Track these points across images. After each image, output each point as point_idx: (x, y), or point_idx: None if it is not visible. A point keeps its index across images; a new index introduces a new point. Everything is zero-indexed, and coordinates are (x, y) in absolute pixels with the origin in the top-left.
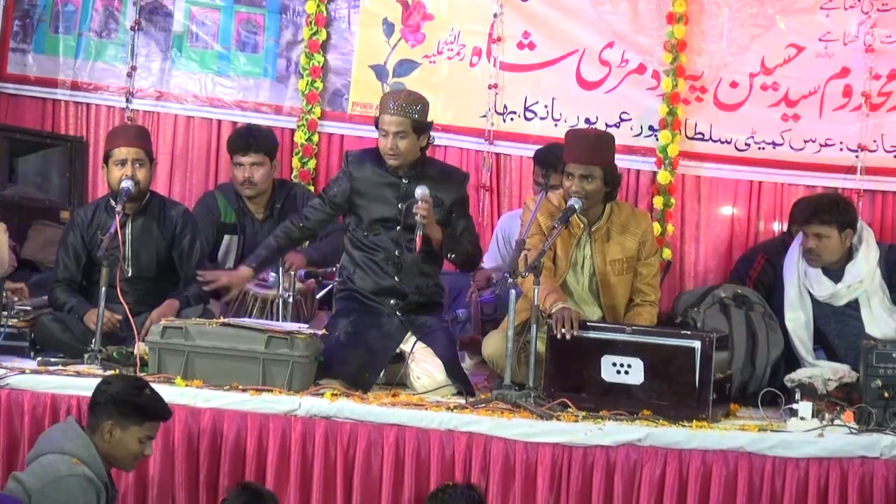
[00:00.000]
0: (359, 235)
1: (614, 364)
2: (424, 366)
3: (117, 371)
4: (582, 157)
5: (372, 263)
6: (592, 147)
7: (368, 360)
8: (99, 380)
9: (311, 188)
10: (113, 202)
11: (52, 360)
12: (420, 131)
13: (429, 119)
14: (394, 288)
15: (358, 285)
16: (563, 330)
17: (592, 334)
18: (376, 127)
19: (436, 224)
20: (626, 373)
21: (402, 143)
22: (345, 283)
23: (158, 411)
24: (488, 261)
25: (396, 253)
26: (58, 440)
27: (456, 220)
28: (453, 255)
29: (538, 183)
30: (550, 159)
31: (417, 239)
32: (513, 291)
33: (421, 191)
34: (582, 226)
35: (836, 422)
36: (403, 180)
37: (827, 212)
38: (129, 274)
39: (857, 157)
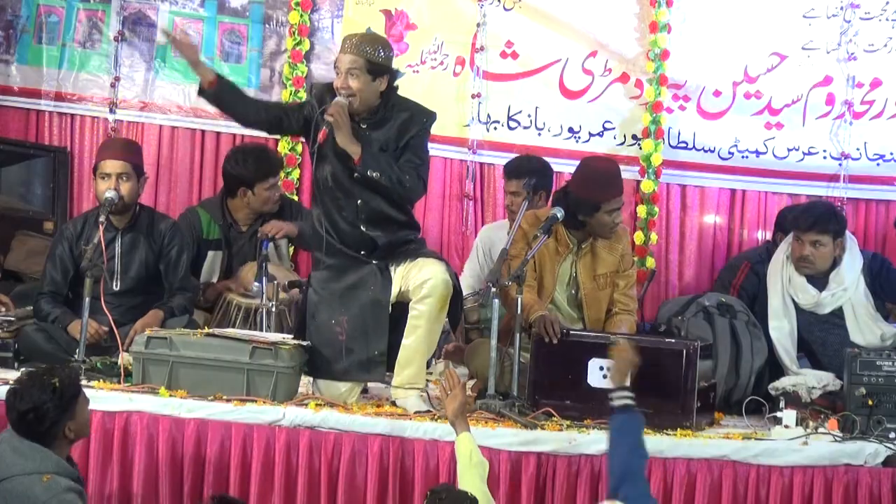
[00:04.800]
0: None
1: (601, 368)
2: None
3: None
4: (618, 190)
5: (335, 210)
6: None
7: (366, 344)
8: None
9: (295, 198)
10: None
11: None
12: (376, 73)
13: (393, 66)
14: (362, 237)
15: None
16: (547, 337)
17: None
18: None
19: (353, 137)
20: None
21: (354, 83)
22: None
23: (79, 383)
24: (468, 272)
25: (359, 202)
26: (17, 462)
27: (402, 150)
28: (377, 174)
29: (512, 193)
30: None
31: (321, 133)
32: (496, 301)
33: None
34: (570, 245)
35: (821, 430)
36: (361, 125)
37: (827, 220)
38: (117, 288)
39: (840, 165)
